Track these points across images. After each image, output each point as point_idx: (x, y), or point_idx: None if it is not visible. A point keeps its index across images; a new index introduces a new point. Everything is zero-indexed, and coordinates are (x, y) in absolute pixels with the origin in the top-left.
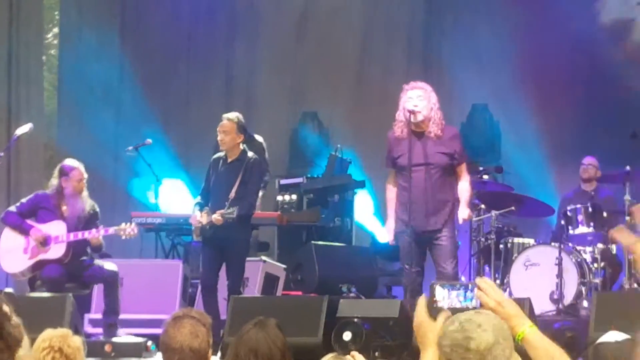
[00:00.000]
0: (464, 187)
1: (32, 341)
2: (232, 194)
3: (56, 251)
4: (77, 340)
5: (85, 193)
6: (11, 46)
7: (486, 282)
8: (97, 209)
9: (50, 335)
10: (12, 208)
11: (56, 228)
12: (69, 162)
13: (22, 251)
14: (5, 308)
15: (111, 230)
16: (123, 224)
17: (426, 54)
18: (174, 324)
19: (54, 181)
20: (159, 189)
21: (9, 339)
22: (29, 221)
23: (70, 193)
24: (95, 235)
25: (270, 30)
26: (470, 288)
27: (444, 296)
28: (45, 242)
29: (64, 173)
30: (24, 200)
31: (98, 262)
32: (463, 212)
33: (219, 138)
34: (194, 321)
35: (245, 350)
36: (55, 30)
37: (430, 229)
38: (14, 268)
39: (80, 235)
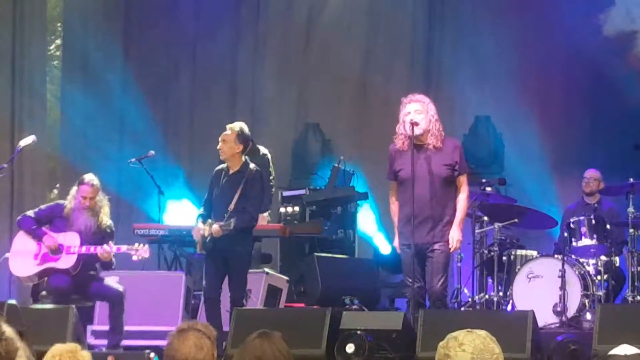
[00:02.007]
0: (460, 205)
1: (37, 353)
2: (232, 206)
3: (66, 261)
4: (86, 356)
5: (103, 211)
6: (14, 58)
7: None
8: (113, 229)
9: (59, 351)
10: (30, 213)
11: (70, 238)
12: (87, 176)
13: (33, 257)
14: None
15: (123, 248)
16: (136, 244)
17: (429, 66)
18: (178, 336)
19: (72, 192)
20: (161, 200)
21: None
22: (44, 228)
23: (76, 206)
24: (107, 251)
25: (275, 41)
26: None
27: None
28: (57, 250)
29: (77, 184)
30: (42, 207)
31: (106, 280)
32: (453, 234)
33: (218, 146)
34: (199, 334)
35: (250, 357)
36: (58, 42)
37: (428, 241)
38: (22, 272)
39: (92, 249)
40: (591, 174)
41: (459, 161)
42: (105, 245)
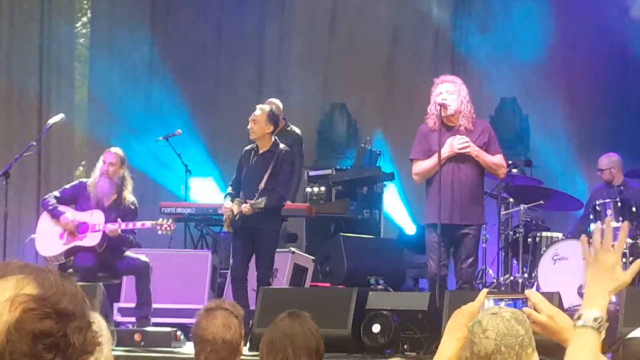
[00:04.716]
0: (493, 157)
1: None
2: (262, 185)
3: (91, 239)
4: None
5: (126, 187)
6: (42, 36)
7: (536, 295)
8: (137, 205)
9: None
10: (55, 193)
11: (95, 217)
12: (113, 147)
13: (58, 236)
14: (81, 312)
15: (148, 224)
16: (160, 219)
17: (455, 47)
18: (206, 315)
19: (98, 164)
20: (189, 179)
21: (74, 352)
22: (68, 207)
23: (100, 172)
24: (133, 227)
25: (301, 21)
26: (519, 302)
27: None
28: (75, 231)
29: (103, 154)
30: (67, 186)
31: (130, 253)
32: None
33: (248, 126)
34: (227, 313)
35: (280, 336)
36: (84, 19)
37: (457, 223)
38: (48, 252)
39: (117, 225)
40: (602, 164)
41: (488, 142)
42: (130, 223)
